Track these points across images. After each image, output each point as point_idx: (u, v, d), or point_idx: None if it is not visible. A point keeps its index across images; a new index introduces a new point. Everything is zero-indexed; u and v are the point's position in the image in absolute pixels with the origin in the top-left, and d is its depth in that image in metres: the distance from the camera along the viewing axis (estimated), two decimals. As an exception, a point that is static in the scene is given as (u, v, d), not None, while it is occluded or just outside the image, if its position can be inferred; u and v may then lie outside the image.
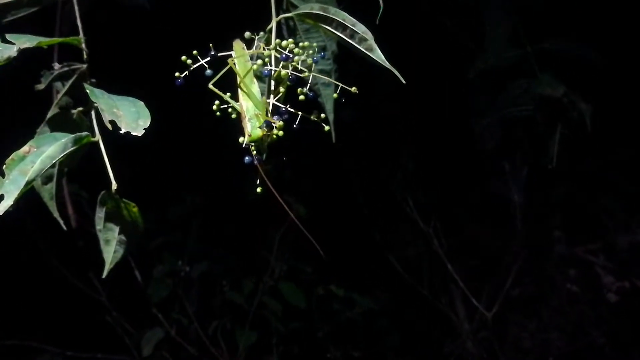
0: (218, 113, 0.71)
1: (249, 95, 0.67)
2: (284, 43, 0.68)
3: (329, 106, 0.81)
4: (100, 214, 0.73)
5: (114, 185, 0.67)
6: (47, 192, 0.78)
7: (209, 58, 0.69)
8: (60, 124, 0.73)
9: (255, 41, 0.71)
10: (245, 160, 0.67)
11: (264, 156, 0.69)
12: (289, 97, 0.71)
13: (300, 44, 0.68)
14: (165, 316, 1.77)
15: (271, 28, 0.72)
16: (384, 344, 1.94)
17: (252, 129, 0.66)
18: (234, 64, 0.69)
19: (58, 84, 0.77)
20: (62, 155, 0.60)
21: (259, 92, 0.69)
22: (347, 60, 0.81)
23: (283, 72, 0.68)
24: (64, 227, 0.81)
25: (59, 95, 0.76)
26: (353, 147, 1.86)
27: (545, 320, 1.96)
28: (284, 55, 0.67)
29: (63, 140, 0.60)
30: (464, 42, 1.62)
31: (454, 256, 1.92)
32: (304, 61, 0.68)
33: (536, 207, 1.96)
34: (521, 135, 1.75)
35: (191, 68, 0.68)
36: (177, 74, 0.68)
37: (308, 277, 1.86)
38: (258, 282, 1.80)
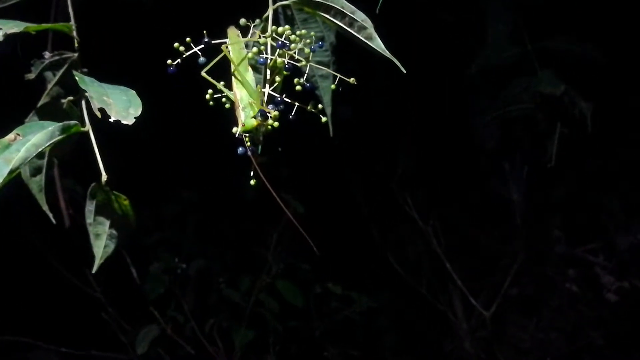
0: (211, 102, 0.69)
1: (243, 83, 0.66)
2: (280, 29, 0.66)
3: (327, 99, 0.79)
4: (90, 207, 0.71)
5: (104, 177, 0.65)
6: (36, 184, 0.76)
7: (202, 46, 0.67)
8: (49, 114, 0.71)
9: (251, 28, 0.69)
10: (239, 152, 0.65)
11: (259, 148, 0.67)
12: (286, 89, 0.69)
13: (298, 32, 0.67)
14: (161, 313, 1.76)
15: (267, 16, 0.70)
16: (381, 343, 1.94)
17: (246, 118, 0.64)
18: (228, 51, 0.67)
19: (49, 74, 0.76)
20: (48, 143, 0.58)
21: (254, 81, 0.67)
22: (344, 57, 0.79)
23: (279, 60, 0.66)
24: (54, 221, 0.79)
25: (50, 85, 0.75)
26: (352, 144, 1.85)
27: (544, 320, 1.95)
28: (280, 43, 0.66)
29: (50, 129, 0.58)
30: (465, 39, 1.61)
31: (453, 255, 1.91)
32: (301, 50, 0.66)
33: (536, 207, 1.95)
34: (521, 134, 1.74)
35: (184, 56, 0.66)
36: (169, 61, 0.66)
37: (306, 275, 1.85)
38: (255, 280, 1.79)
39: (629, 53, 1.55)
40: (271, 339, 1.79)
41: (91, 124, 0.68)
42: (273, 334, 1.79)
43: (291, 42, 0.66)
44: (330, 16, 0.67)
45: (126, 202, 0.71)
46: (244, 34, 0.69)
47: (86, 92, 0.62)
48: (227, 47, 0.67)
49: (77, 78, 0.63)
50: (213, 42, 0.67)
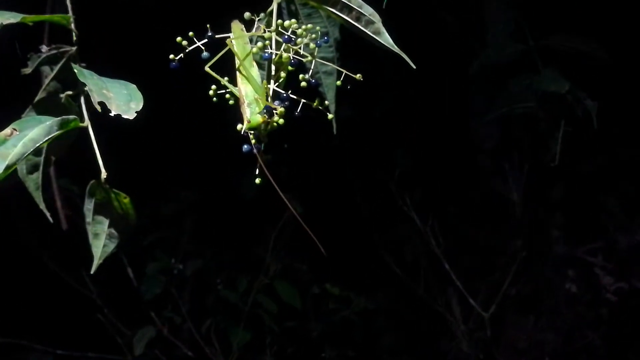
0: (215, 99, 0.67)
1: (248, 79, 0.64)
2: (286, 23, 0.64)
3: (331, 96, 0.77)
4: (89, 205, 0.69)
5: (104, 174, 0.63)
6: (33, 182, 0.74)
7: (205, 40, 0.65)
8: (47, 109, 0.69)
9: (256, 22, 0.67)
10: (244, 149, 0.63)
11: (263, 146, 0.66)
12: (289, 85, 0.67)
13: (303, 26, 0.65)
14: (157, 314, 1.76)
15: (271, 10, 0.68)
16: (379, 343, 1.93)
17: (252, 114, 0.62)
18: (233, 45, 0.65)
19: (46, 68, 0.73)
20: (46, 139, 0.56)
21: (259, 76, 0.65)
22: (345, 57, 0.77)
23: (284, 55, 0.64)
24: (51, 220, 0.77)
25: (47, 80, 0.72)
26: (351, 144, 1.84)
27: (543, 320, 1.94)
28: (285, 37, 0.64)
29: (48, 123, 0.56)
30: (465, 39, 1.60)
31: (451, 255, 1.90)
32: (306, 45, 0.65)
33: (535, 207, 1.94)
34: (521, 133, 1.73)
35: (187, 50, 0.64)
36: (171, 56, 0.64)
37: (303, 276, 1.85)
38: (252, 281, 1.79)
39: (629, 52, 1.54)
40: (268, 339, 1.78)
41: (90, 119, 0.66)
42: (270, 334, 1.78)
43: (297, 36, 0.64)
44: (337, 10, 0.66)
45: (126, 201, 0.69)
46: (248, 28, 0.67)
47: (85, 85, 0.60)
48: (231, 42, 0.65)
49: (75, 71, 0.61)
50: (216, 36, 0.65)
